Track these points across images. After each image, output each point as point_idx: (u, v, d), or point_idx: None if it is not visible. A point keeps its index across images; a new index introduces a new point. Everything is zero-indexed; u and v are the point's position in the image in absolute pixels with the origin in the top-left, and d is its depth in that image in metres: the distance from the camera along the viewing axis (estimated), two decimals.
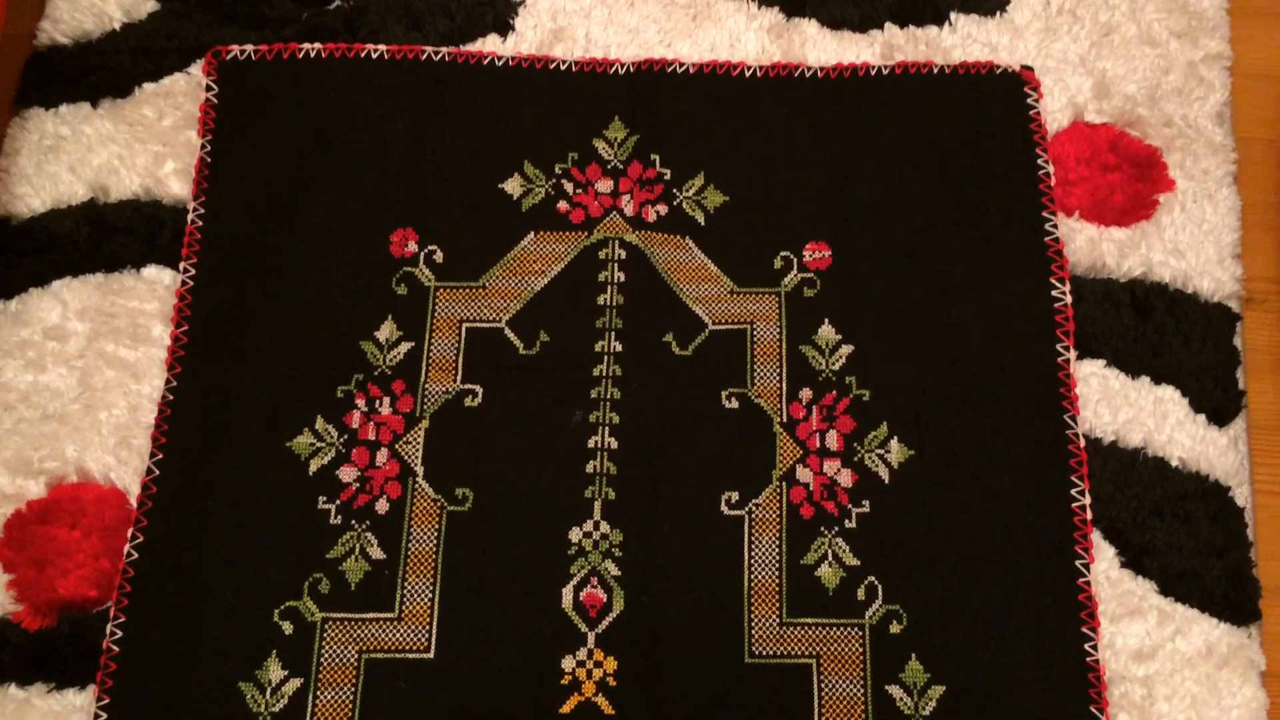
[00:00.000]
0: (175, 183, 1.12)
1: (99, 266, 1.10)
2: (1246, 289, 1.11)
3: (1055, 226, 1.10)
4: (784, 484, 1.03)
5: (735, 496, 1.02)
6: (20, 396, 1.05)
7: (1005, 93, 1.15)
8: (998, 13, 1.19)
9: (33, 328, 1.07)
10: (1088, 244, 1.11)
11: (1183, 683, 0.98)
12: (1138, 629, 0.99)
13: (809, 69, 1.16)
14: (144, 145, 1.13)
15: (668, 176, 1.13)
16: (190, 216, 1.11)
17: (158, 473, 1.02)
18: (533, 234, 1.11)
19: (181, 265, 1.09)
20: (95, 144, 1.13)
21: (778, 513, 1.02)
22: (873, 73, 1.15)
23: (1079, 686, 0.96)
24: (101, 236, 1.10)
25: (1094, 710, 0.95)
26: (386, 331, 1.07)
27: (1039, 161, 1.13)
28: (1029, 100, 1.15)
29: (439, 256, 1.10)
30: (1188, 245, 1.11)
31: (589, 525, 1.01)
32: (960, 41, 1.18)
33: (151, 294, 1.09)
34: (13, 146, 1.13)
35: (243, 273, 1.09)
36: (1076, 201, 1.12)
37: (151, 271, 1.10)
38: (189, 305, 1.08)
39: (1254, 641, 0.99)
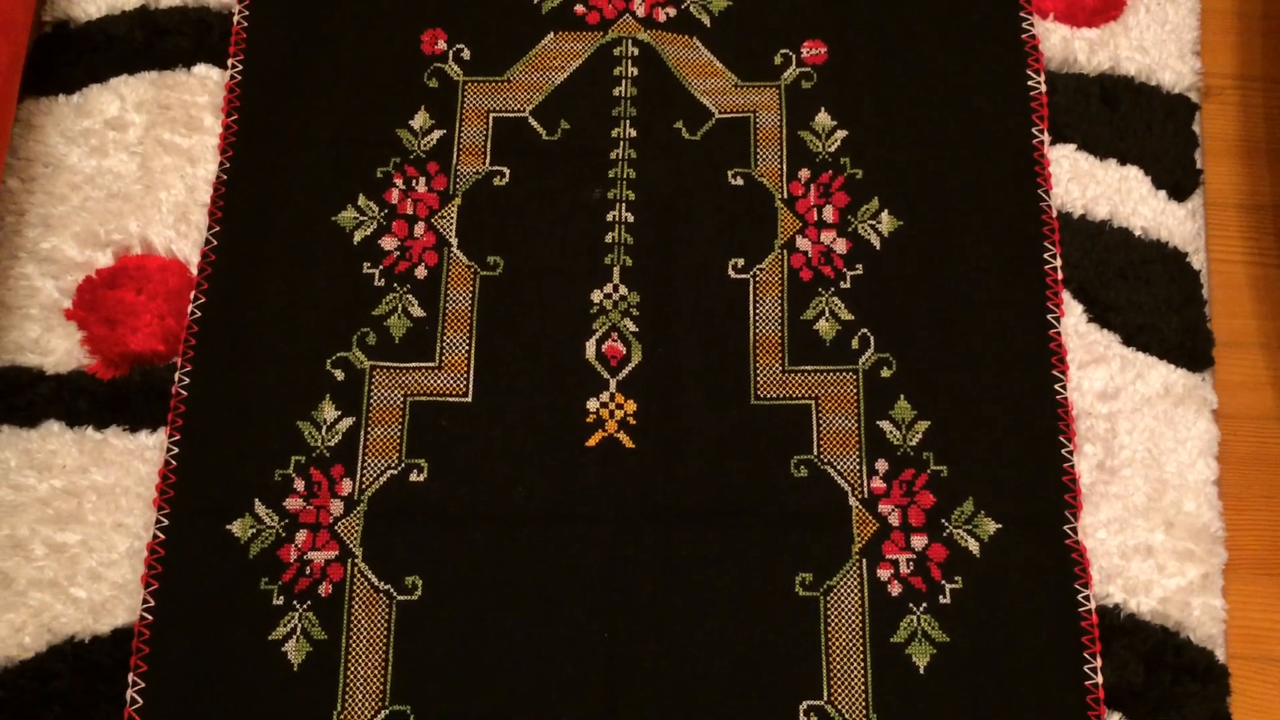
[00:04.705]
0: None
1: (153, 65, 1.19)
2: (1205, 82, 1.21)
3: (1031, 26, 1.20)
4: (785, 252, 1.13)
5: (741, 262, 1.13)
6: (86, 178, 1.15)
7: None
8: None
9: (94, 118, 1.17)
10: (1061, 42, 1.21)
11: (1142, 418, 1.09)
12: (1102, 373, 1.10)
13: None
14: None
15: None
16: (235, 19, 1.20)
17: (215, 243, 1.12)
18: (552, 34, 1.21)
19: (229, 62, 1.19)
20: None
21: (779, 276, 1.12)
22: None
23: (1049, 419, 1.07)
24: (154, 37, 1.19)
25: (1062, 439, 1.07)
26: (420, 120, 1.17)
27: None
28: None
29: (466, 54, 1.20)
30: (1151, 43, 1.21)
31: (609, 288, 1.12)
32: None
33: (202, 88, 1.18)
34: None
35: (286, 69, 1.19)
36: (1051, 4, 1.22)
37: (201, 69, 1.19)
38: (238, 98, 1.17)
39: (1207, 384, 1.11)
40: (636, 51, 1.20)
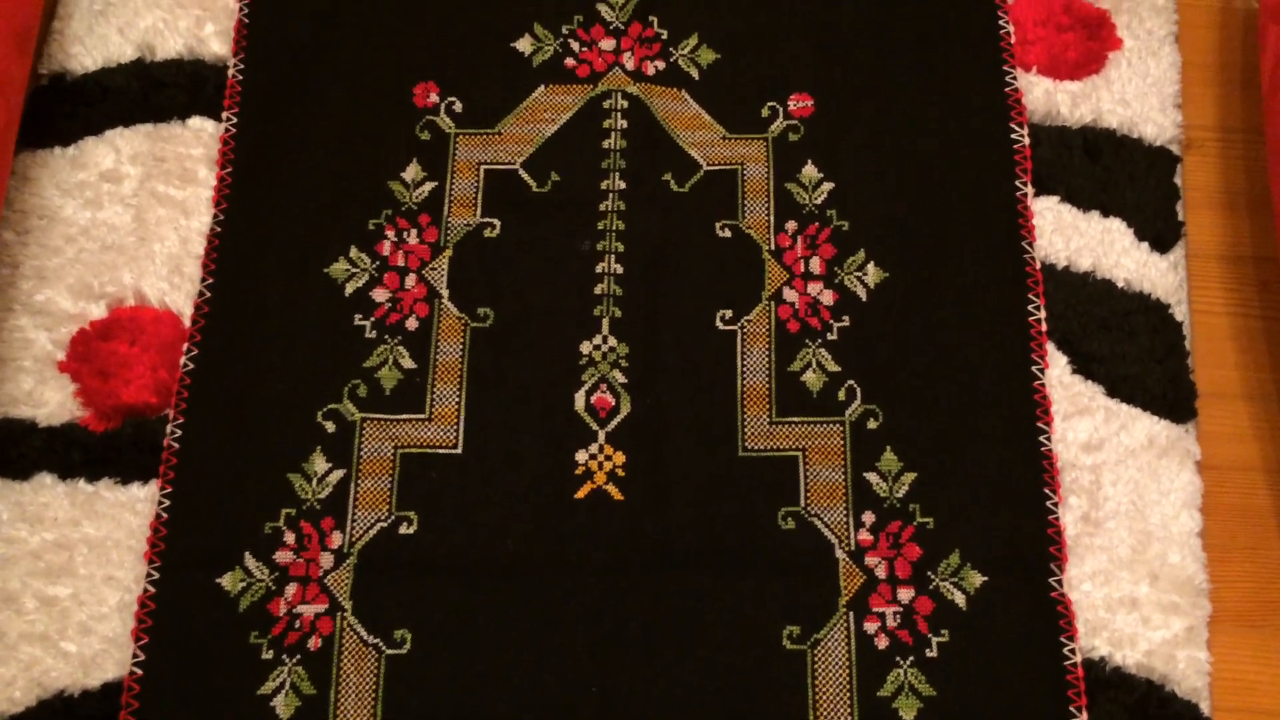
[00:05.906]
0: (216, 43, 1.23)
1: (148, 117, 1.20)
2: (1186, 135, 1.23)
3: (1015, 79, 1.22)
4: (772, 303, 1.15)
5: (729, 314, 1.14)
6: (80, 230, 1.16)
7: None
8: None
9: (89, 170, 1.18)
10: (1044, 95, 1.22)
11: (1127, 470, 1.10)
12: (1087, 425, 1.11)
13: None
14: (186, 10, 1.24)
15: (664, 36, 1.25)
16: (231, 72, 1.22)
17: (209, 295, 1.13)
18: (543, 87, 1.22)
19: (224, 115, 1.20)
20: (141, 9, 1.24)
21: (767, 327, 1.14)
22: None
23: (1034, 471, 1.08)
24: (150, 90, 1.21)
25: (1047, 491, 1.08)
26: (412, 173, 1.19)
27: (1000, 23, 1.24)
28: None
29: (458, 107, 1.22)
30: (1133, 96, 1.23)
31: (598, 339, 1.13)
32: None
33: (197, 141, 1.19)
34: (65, 11, 1.24)
35: (280, 122, 1.20)
36: (1034, 58, 1.24)
37: (196, 121, 1.20)
38: (232, 150, 1.19)
39: (1190, 436, 1.12)
40: (626, 104, 1.22)
